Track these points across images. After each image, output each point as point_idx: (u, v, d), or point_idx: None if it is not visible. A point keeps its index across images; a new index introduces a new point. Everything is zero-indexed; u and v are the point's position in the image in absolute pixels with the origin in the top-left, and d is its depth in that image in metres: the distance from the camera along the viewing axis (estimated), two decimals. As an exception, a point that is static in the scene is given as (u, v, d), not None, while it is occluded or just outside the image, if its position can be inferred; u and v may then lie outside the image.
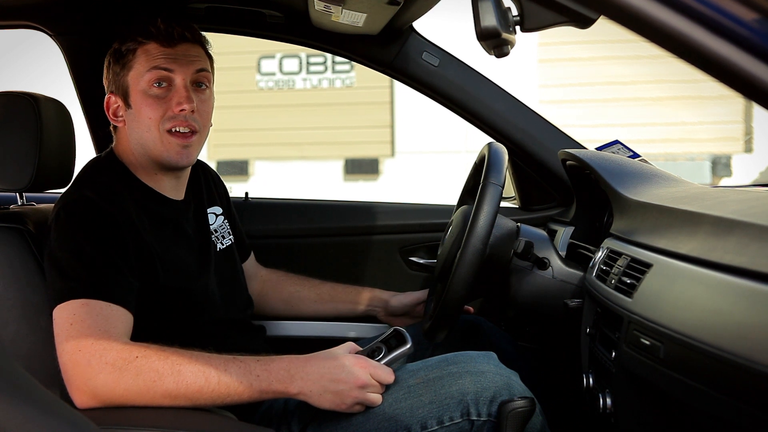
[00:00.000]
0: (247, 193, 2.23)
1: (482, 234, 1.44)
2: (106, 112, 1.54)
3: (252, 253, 1.91)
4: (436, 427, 1.34)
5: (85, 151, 1.79)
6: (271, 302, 1.90)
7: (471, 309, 1.88)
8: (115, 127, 1.56)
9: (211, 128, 1.59)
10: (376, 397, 1.33)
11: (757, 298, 0.88)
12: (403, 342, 1.40)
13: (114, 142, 1.58)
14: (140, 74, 1.48)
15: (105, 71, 1.56)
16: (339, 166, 8.84)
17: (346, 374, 1.31)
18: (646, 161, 1.84)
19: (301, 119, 8.78)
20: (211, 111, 1.57)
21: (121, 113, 1.52)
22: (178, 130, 1.48)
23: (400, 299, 1.84)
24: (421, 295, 1.83)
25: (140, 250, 1.41)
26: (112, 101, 1.53)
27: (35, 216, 1.56)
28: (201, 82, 1.53)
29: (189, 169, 1.62)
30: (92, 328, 1.28)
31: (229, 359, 1.29)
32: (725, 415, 0.92)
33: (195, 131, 1.50)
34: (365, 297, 1.86)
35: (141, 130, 1.49)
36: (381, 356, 1.38)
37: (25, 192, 1.61)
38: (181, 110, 1.47)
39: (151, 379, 1.24)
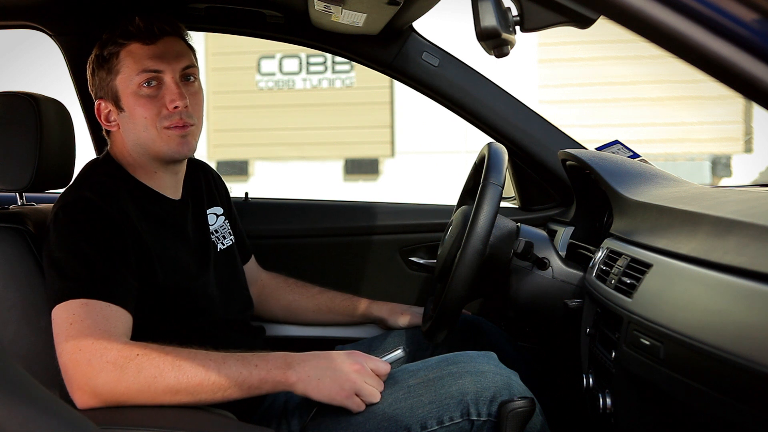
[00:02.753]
0: (247, 193, 2.23)
1: (482, 234, 1.44)
2: (98, 118, 1.54)
3: (253, 256, 1.91)
4: (436, 427, 1.34)
5: (85, 151, 1.79)
6: (269, 308, 1.91)
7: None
8: (107, 131, 1.56)
9: (211, 128, 1.59)
10: (373, 391, 1.33)
11: (757, 298, 0.88)
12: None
13: (109, 146, 1.57)
14: (129, 77, 1.48)
15: (90, 78, 1.55)
16: (339, 166, 8.84)
17: (342, 360, 1.33)
18: (646, 161, 1.84)
19: (301, 119, 8.78)
20: (203, 102, 1.57)
21: (113, 117, 1.52)
22: (175, 127, 1.48)
23: (397, 321, 1.83)
24: (418, 319, 1.82)
25: (139, 250, 1.41)
26: (103, 107, 1.53)
27: (35, 216, 1.56)
28: (189, 75, 1.53)
29: (185, 166, 1.62)
30: (92, 327, 1.28)
31: (227, 354, 1.30)
32: (725, 415, 0.92)
33: (191, 125, 1.51)
34: (363, 309, 1.86)
35: (137, 130, 1.49)
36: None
37: (25, 192, 1.61)
38: (175, 107, 1.47)
39: (152, 376, 1.24)
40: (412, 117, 8.42)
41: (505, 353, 1.61)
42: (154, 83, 1.48)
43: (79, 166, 1.60)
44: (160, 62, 1.48)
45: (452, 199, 1.96)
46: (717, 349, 0.90)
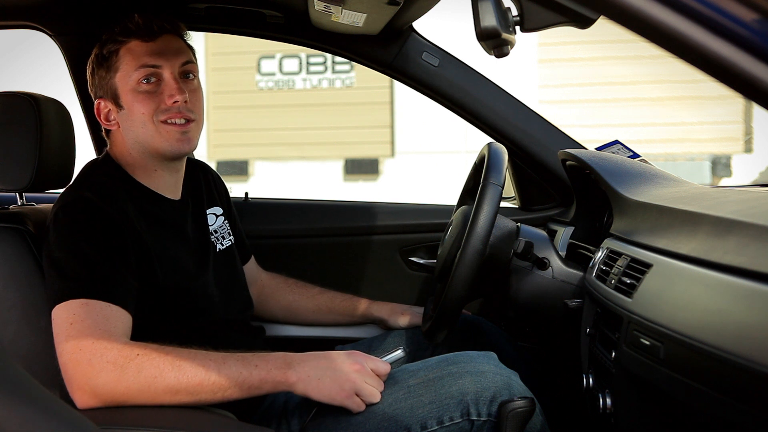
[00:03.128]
0: (247, 193, 2.23)
1: (482, 234, 1.44)
2: (98, 118, 1.54)
3: (252, 256, 1.91)
4: (436, 427, 1.34)
5: (85, 151, 1.79)
6: (269, 309, 1.91)
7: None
8: (107, 131, 1.56)
9: (211, 128, 1.59)
10: (373, 391, 1.33)
11: (757, 298, 0.88)
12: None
13: (108, 146, 1.57)
14: (128, 74, 1.48)
15: (90, 78, 1.55)
16: (339, 166, 8.84)
17: (342, 360, 1.33)
18: (646, 161, 1.84)
19: (301, 119, 8.78)
20: (203, 100, 1.57)
21: (113, 116, 1.52)
22: (174, 121, 1.48)
23: (397, 322, 1.83)
24: (418, 319, 1.83)
25: (139, 250, 1.41)
26: (102, 106, 1.53)
27: (35, 216, 1.56)
28: (188, 72, 1.53)
29: (185, 165, 1.62)
30: (92, 327, 1.28)
31: (227, 354, 1.30)
32: (725, 415, 0.92)
33: (191, 120, 1.51)
34: (363, 310, 1.86)
35: (136, 127, 1.49)
36: None
37: (25, 192, 1.61)
38: (174, 102, 1.47)
39: (152, 375, 1.24)
40: (412, 117, 8.42)
41: (505, 353, 1.61)
42: (153, 80, 1.48)
43: (79, 166, 1.60)
44: (159, 58, 1.48)
45: (452, 199, 1.96)
46: (717, 349, 0.90)
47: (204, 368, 1.26)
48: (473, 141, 6.47)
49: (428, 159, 8.37)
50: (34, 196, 1.85)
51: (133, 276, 1.38)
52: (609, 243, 1.47)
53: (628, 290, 1.22)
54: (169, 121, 1.48)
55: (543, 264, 1.62)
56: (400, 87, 7.03)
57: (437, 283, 1.73)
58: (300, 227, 2.20)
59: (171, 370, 1.25)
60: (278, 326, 1.95)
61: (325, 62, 8.81)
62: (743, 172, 7.91)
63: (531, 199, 2.15)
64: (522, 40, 1.15)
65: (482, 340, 1.78)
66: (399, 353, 1.43)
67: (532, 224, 1.86)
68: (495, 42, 1.08)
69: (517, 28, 1.08)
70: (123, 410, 1.25)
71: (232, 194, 1.88)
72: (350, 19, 1.78)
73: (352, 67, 8.72)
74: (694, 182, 1.69)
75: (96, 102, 1.54)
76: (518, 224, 1.68)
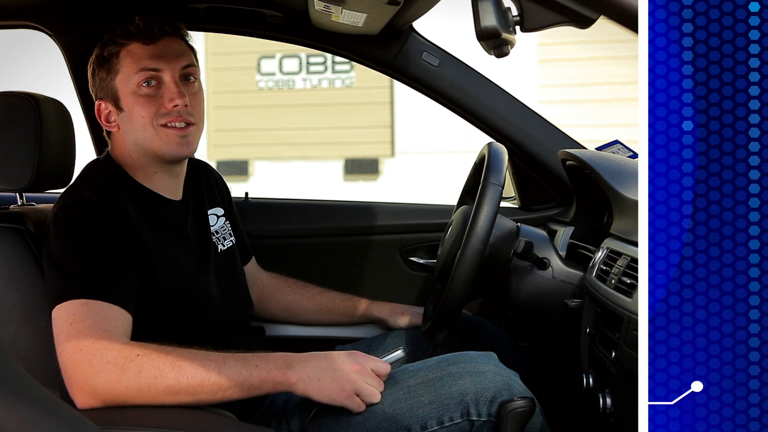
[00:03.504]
0: (247, 193, 2.23)
1: (482, 234, 1.44)
2: (98, 119, 1.54)
3: (253, 257, 1.91)
4: (436, 428, 1.34)
5: (85, 151, 1.79)
6: (269, 309, 1.91)
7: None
8: (108, 132, 1.56)
9: (211, 128, 1.59)
10: (373, 391, 1.33)
11: (757, 298, 0.88)
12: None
13: (109, 147, 1.57)
14: (128, 77, 1.48)
15: (90, 79, 1.55)
16: (339, 166, 8.84)
17: (342, 360, 1.32)
18: (646, 161, 1.84)
19: (301, 119, 8.77)
20: (203, 102, 1.56)
21: (113, 118, 1.52)
22: (173, 125, 1.48)
23: (397, 322, 1.83)
24: (418, 319, 1.83)
25: (139, 250, 1.41)
26: (103, 108, 1.53)
27: (35, 216, 1.56)
28: (189, 75, 1.53)
29: (185, 168, 1.62)
30: (92, 327, 1.28)
31: (227, 354, 1.30)
32: (725, 415, 0.92)
33: (191, 124, 1.50)
34: (363, 310, 1.86)
35: (136, 130, 1.49)
36: None
37: (25, 192, 1.61)
38: (174, 106, 1.47)
39: (152, 376, 1.24)
40: (412, 117, 8.42)
41: (505, 353, 1.61)
42: (153, 83, 1.48)
43: (79, 166, 1.60)
44: (160, 61, 1.48)
45: (452, 199, 1.96)
46: (717, 349, 0.90)
47: (204, 368, 1.26)
48: (473, 141, 6.47)
49: (428, 159, 8.37)
50: (34, 196, 1.85)
51: (133, 276, 1.38)
52: (609, 243, 1.47)
53: (628, 290, 1.22)
54: (169, 124, 1.48)
55: (543, 264, 1.62)
56: (400, 87, 7.03)
57: (437, 283, 1.73)
58: (300, 227, 2.20)
59: (171, 370, 1.25)
60: (278, 326, 1.95)
61: (325, 62, 8.80)
62: (743, 172, 7.90)
63: (531, 199, 2.15)
64: (522, 40, 1.15)
65: (482, 340, 1.78)
66: (399, 353, 1.43)
67: (532, 224, 1.86)
68: (495, 42, 1.08)
69: (517, 28, 1.08)
70: (123, 410, 1.25)
71: (232, 194, 1.88)
72: (350, 19, 1.78)
73: (352, 67, 8.71)
74: (694, 182, 1.69)
75: (96, 103, 1.54)
76: (518, 224, 1.68)
